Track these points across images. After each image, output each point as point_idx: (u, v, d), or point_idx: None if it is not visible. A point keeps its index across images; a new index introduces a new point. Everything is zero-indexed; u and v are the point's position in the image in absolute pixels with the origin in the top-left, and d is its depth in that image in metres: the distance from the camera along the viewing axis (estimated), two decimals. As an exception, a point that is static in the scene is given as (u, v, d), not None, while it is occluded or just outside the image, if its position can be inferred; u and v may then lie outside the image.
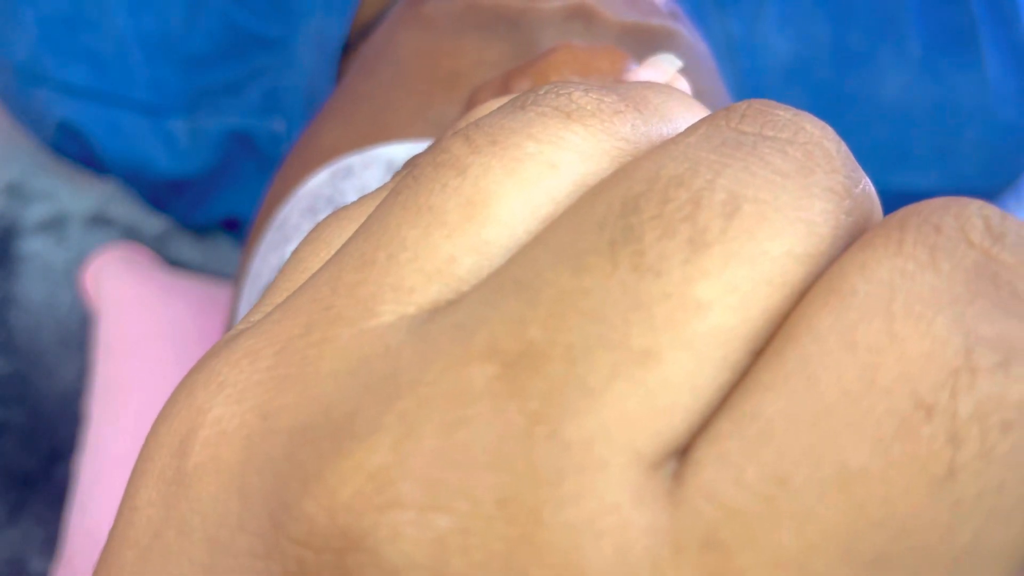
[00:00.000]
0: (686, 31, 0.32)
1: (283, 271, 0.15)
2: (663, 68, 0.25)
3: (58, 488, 0.56)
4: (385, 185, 0.15)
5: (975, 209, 0.11)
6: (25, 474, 0.57)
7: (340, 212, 0.16)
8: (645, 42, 0.31)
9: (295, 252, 0.15)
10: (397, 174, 0.15)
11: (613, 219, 0.12)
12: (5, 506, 0.56)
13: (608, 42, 0.30)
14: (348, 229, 0.15)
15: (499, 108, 0.14)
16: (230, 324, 0.33)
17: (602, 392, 0.10)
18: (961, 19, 0.55)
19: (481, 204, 0.13)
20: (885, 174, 0.55)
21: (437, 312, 0.12)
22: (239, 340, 0.13)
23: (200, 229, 0.62)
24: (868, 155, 0.55)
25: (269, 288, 0.15)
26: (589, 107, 0.14)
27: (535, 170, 0.13)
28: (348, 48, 0.52)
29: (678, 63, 0.25)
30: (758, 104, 0.13)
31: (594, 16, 0.30)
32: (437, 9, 0.32)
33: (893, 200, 0.57)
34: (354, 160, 0.29)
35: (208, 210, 0.59)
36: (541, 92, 0.14)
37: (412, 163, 0.14)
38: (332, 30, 0.52)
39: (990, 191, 0.57)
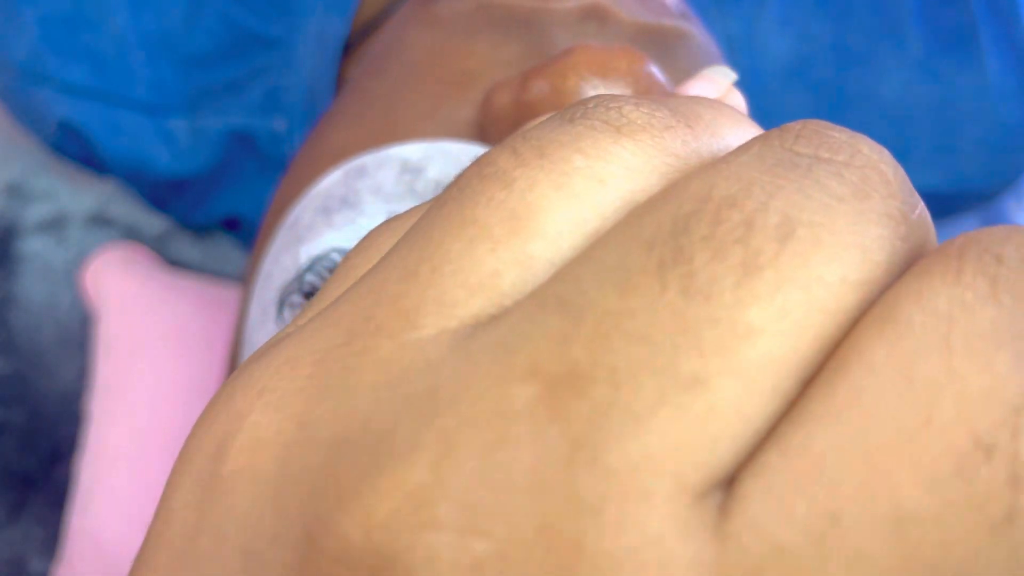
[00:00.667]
0: (698, 32, 0.32)
1: (332, 277, 0.15)
2: (717, 80, 0.24)
3: (58, 488, 0.56)
4: (437, 196, 0.15)
5: None
6: (25, 474, 0.56)
7: (392, 220, 0.16)
8: (659, 42, 0.31)
9: (346, 258, 0.15)
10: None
11: (663, 239, 0.11)
12: (5, 506, 0.56)
13: (622, 42, 0.30)
14: (399, 237, 0.15)
15: (547, 120, 0.14)
16: (240, 325, 0.33)
17: (647, 418, 0.10)
18: (962, 19, 0.55)
19: (527, 218, 0.12)
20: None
21: (479, 327, 0.12)
22: (280, 346, 0.13)
23: (200, 229, 0.62)
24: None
25: (318, 294, 0.15)
26: (640, 121, 0.13)
27: (583, 185, 0.13)
28: (348, 48, 0.52)
29: (733, 75, 0.25)
30: (813, 125, 0.13)
31: (608, 16, 0.30)
32: (448, 8, 0.32)
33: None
34: (367, 160, 0.29)
35: (209, 210, 0.58)
36: (591, 105, 0.14)
37: (459, 176, 0.14)
38: (333, 30, 0.52)
39: (990, 191, 0.57)
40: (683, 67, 0.31)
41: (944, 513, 0.09)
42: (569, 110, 0.14)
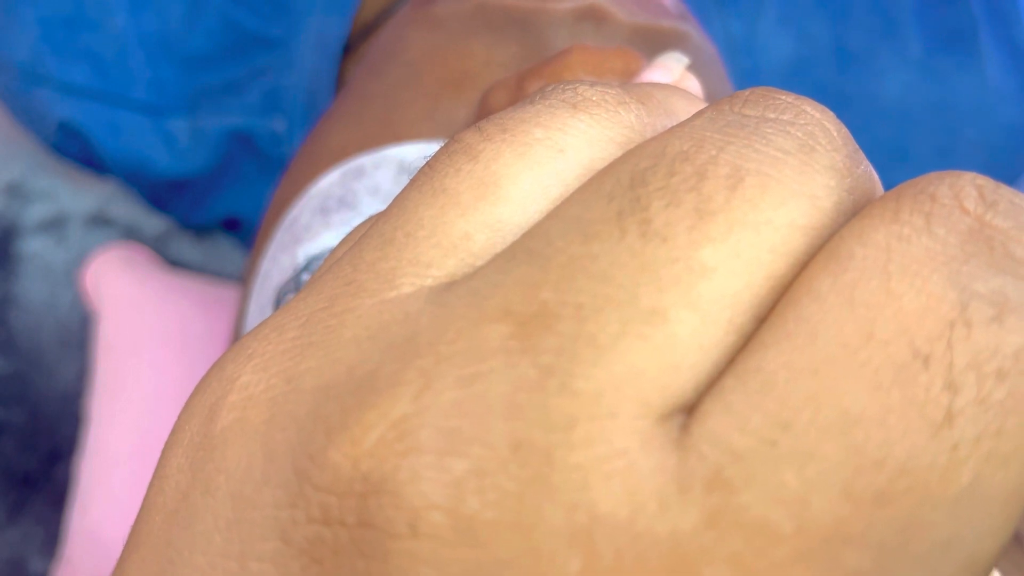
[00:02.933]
0: (695, 32, 0.33)
1: (318, 270, 0.16)
2: (670, 67, 0.25)
3: (58, 488, 0.56)
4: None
5: (969, 179, 0.12)
6: (25, 474, 0.57)
7: (374, 215, 0.16)
8: (656, 43, 0.31)
9: (333, 251, 0.16)
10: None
11: (621, 191, 0.12)
12: (5, 506, 0.56)
13: (619, 43, 0.30)
14: None
15: (511, 107, 0.15)
16: (238, 324, 0.33)
17: (611, 347, 0.11)
18: (961, 19, 0.55)
19: (493, 185, 0.13)
20: (885, 174, 0.55)
21: (454, 283, 0.13)
22: (270, 319, 0.14)
23: (200, 229, 0.62)
24: (868, 154, 0.55)
25: (309, 281, 0.16)
26: (594, 98, 0.14)
27: (544, 153, 0.14)
28: (348, 48, 0.52)
29: (685, 60, 0.25)
30: (761, 90, 0.14)
31: (605, 17, 0.30)
32: (447, 9, 0.32)
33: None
34: (365, 160, 0.30)
35: (208, 210, 0.59)
36: (549, 88, 0.15)
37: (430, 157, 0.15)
38: (333, 30, 0.52)
39: (990, 191, 0.57)
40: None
41: (887, 415, 0.10)
42: (531, 96, 0.15)
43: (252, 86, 0.56)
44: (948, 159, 0.55)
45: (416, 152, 0.28)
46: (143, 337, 0.55)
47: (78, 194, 0.61)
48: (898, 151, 0.55)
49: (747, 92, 0.14)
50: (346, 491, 0.11)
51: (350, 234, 0.17)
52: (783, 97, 0.13)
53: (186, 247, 0.62)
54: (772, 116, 0.13)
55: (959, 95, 0.55)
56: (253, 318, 0.30)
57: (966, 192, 0.12)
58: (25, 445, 0.57)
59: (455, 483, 0.11)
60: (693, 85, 0.25)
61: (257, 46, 0.55)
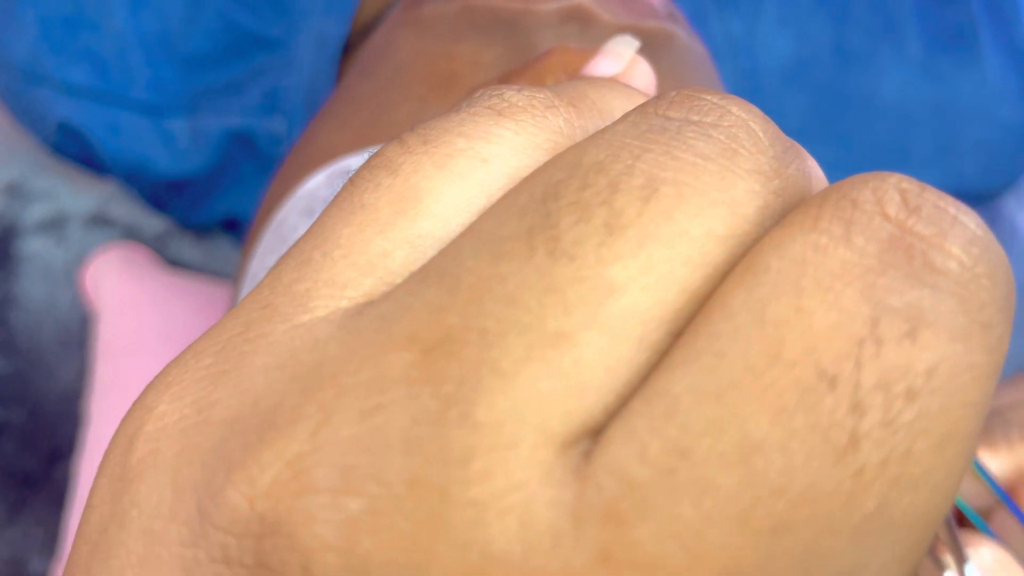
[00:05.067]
0: (684, 33, 0.32)
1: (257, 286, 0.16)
2: (620, 52, 0.25)
3: (58, 488, 0.56)
4: None
5: (893, 183, 0.11)
6: (25, 474, 0.57)
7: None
8: (643, 44, 0.31)
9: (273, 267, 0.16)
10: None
11: (533, 206, 0.12)
12: (5, 506, 0.56)
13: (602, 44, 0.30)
14: None
15: (438, 116, 0.15)
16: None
17: (515, 374, 0.11)
18: (961, 19, 0.55)
19: (413, 199, 0.13)
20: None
21: (368, 305, 0.12)
22: (192, 344, 0.14)
23: (200, 229, 0.62)
24: (868, 155, 0.55)
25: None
26: (520, 103, 0.14)
27: (466, 164, 0.13)
28: (348, 49, 0.52)
29: (635, 43, 0.25)
30: (687, 90, 0.13)
31: (590, 18, 0.30)
32: (434, 11, 0.32)
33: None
34: (352, 162, 0.30)
35: (208, 210, 0.59)
36: (475, 95, 0.14)
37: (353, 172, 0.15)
38: (332, 30, 0.52)
39: (990, 191, 0.57)
40: (667, 68, 0.31)
41: (789, 441, 0.10)
42: (457, 103, 0.15)
43: (252, 86, 0.56)
44: (948, 159, 0.55)
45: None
46: (143, 337, 0.55)
47: (78, 194, 0.61)
48: (898, 151, 0.55)
49: (673, 93, 0.13)
50: (243, 532, 0.11)
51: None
52: (708, 98, 0.13)
53: (186, 247, 0.62)
54: (695, 119, 0.12)
55: (959, 95, 0.54)
56: (241, 320, 0.30)
57: (889, 196, 0.11)
58: (25, 445, 0.57)
59: (349, 523, 0.10)
60: (643, 70, 0.24)
61: (257, 46, 0.55)
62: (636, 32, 0.31)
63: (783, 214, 0.12)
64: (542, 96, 0.14)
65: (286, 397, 0.12)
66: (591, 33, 0.30)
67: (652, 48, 0.31)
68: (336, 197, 0.14)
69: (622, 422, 0.10)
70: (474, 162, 0.13)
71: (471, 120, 0.14)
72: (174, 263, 0.61)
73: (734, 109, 0.13)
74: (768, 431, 0.10)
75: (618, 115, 0.15)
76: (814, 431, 0.10)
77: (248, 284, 0.32)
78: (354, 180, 0.14)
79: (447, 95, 0.30)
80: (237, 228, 0.60)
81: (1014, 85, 0.55)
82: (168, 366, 0.14)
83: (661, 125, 0.12)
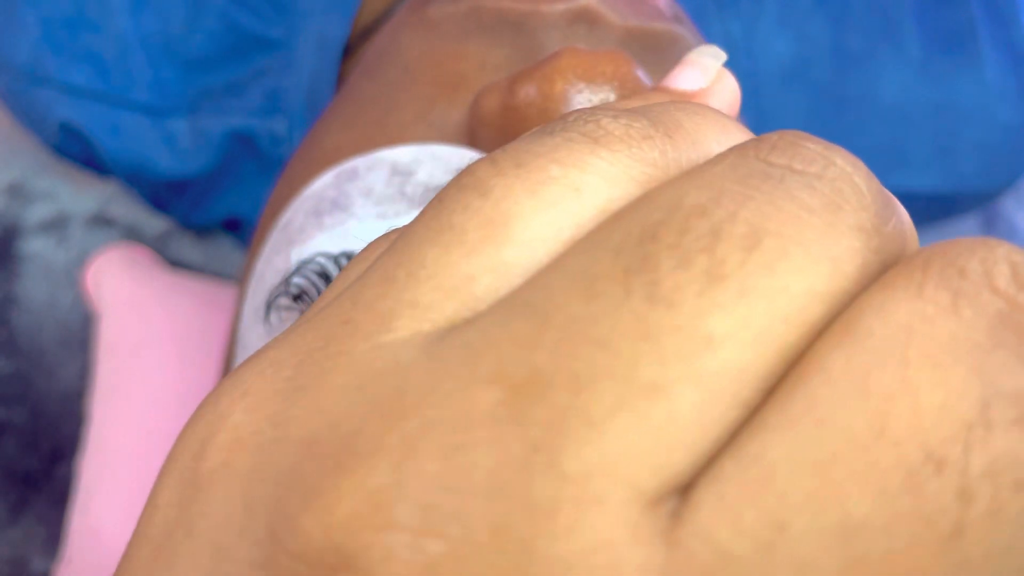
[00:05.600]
0: (690, 34, 0.32)
1: (329, 287, 0.15)
2: (706, 65, 0.24)
3: (60, 487, 0.56)
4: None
5: (1003, 254, 0.11)
6: (27, 473, 0.57)
7: (391, 232, 0.16)
8: (649, 46, 0.31)
9: (344, 269, 0.15)
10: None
11: (630, 246, 0.11)
12: (7, 505, 0.56)
13: (611, 46, 0.30)
14: None
15: (529, 134, 0.14)
16: (234, 326, 0.34)
17: (605, 424, 0.10)
18: (960, 20, 0.55)
19: (502, 225, 0.13)
20: (884, 174, 0.55)
21: (451, 331, 0.12)
22: (267, 350, 0.14)
23: (201, 229, 0.62)
24: (867, 155, 0.55)
25: (315, 303, 0.15)
26: (617, 132, 0.13)
27: (558, 193, 0.13)
28: (349, 50, 0.52)
29: (723, 56, 0.24)
30: (790, 136, 0.13)
31: (598, 20, 0.30)
32: (441, 12, 0.32)
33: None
34: (359, 163, 0.30)
35: (209, 210, 0.59)
36: (571, 119, 0.14)
37: (442, 188, 0.14)
38: (333, 31, 0.52)
39: (990, 192, 0.57)
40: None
41: (892, 525, 0.10)
42: (550, 124, 0.14)
43: (253, 87, 0.56)
44: (947, 159, 0.55)
45: (409, 155, 0.28)
46: (144, 337, 0.55)
47: (79, 194, 0.61)
48: (897, 152, 0.55)
49: (775, 137, 0.13)
50: (317, 561, 0.11)
51: (363, 251, 0.16)
52: (812, 146, 0.12)
53: (187, 247, 0.62)
54: (799, 167, 0.12)
55: (958, 96, 0.54)
56: (248, 320, 0.31)
57: (998, 269, 0.11)
58: (27, 445, 0.57)
59: (429, 566, 0.10)
60: (729, 86, 0.24)
61: (258, 47, 0.55)
62: (644, 33, 0.31)
63: (881, 271, 0.12)
64: (639, 126, 0.14)
65: (367, 423, 0.11)
66: (598, 35, 0.30)
67: (659, 50, 0.31)
68: (422, 214, 0.14)
69: (713, 484, 0.10)
70: (567, 191, 0.13)
71: (566, 146, 0.13)
72: (175, 263, 0.61)
73: (838, 161, 0.12)
74: (870, 511, 0.10)
75: (711, 147, 0.15)
76: (918, 516, 0.10)
77: (254, 285, 0.32)
78: (442, 198, 0.13)
79: (454, 96, 0.30)
80: (238, 228, 0.60)
81: (1013, 86, 0.55)
82: (242, 371, 0.13)
83: (763, 171, 0.12)
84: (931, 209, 0.58)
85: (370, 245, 0.16)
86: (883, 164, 0.55)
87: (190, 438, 0.13)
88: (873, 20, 0.55)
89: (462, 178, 0.14)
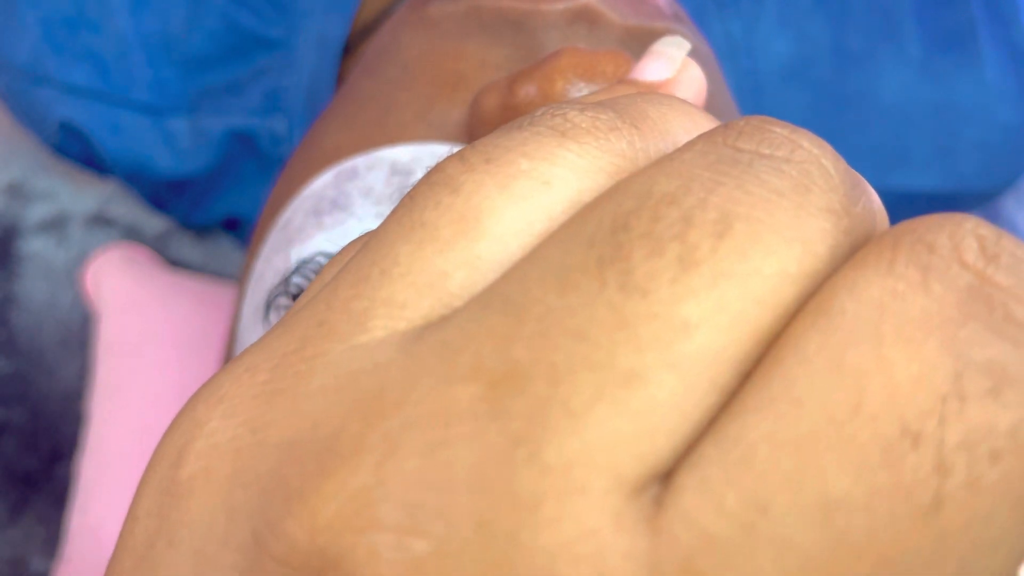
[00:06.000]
0: (690, 33, 0.32)
1: (306, 291, 0.15)
2: (671, 54, 0.24)
3: (59, 487, 0.56)
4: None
5: (970, 228, 0.11)
6: (26, 473, 0.57)
7: (365, 234, 0.16)
8: (649, 45, 0.31)
9: (320, 272, 0.15)
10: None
11: (602, 236, 0.11)
12: (7, 505, 0.56)
13: (611, 45, 0.30)
14: None
15: (497, 130, 0.14)
16: (234, 326, 0.34)
17: (585, 414, 0.10)
18: (960, 19, 0.55)
19: (473, 220, 0.13)
20: (884, 174, 0.55)
21: (427, 328, 0.12)
22: (243, 356, 0.14)
23: (201, 229, 0.62)
24: (867, 155, 0.55)
25: (292, 307, 0.15)
26: (584, 125, 0.14)
27: (528, 186, 0.13)
28: (349, 49, 0.52)
29: (687, 45, 0.24)
30: (756, 121, 0.13)
31: (598, 19, 0.30)
32: (441, 11, 0.32)
33: (893, 200, 0.57)
34: (359, 162, 0.30)
35: (209, 210, 0.59)
36: (538, 113, 0.14)
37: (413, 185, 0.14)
38: (333, 31, 0.52)
39: (990, 191, 0.57)
40: None
41: (871, 500, 0.10)
42: (517, 120, 0.14)
43: (253, 86, 0.56)
44: (947, 159, 0.55)
45: (409, 154, 0.28)
46: (144, 337, 0.55)
47: (79, 194, 0.61)
48: (897, 151, 0.55)
49: (741, 122, 0.13)
50: (302, 564, 0.11)
51: (339, 253, 0.16)
52: (779, 130, 0.13)
53: (187, 247, 0.62)
54: (767, 152, 0.12)
55: (958, 95, 0.54)
56: (248, 320, 0.31)
57: (966, 244, 0.11)
58: (26, 444, 0.57)
59: (415, 565, 0.10)
60: (695, 75, 0.24)
61: (258, 47, 0.55)
62: (644, 33, 0.31)
63: (851, 252, 0.12)
64: (606, 117, 0.14)
65: (347, 423, 0.11)
66: (598, 34, 0.30)
67: None
68: (394, 212, 0.14)
69: (694, 469, 0.10)
70: (537, 184, 0.13)
71: (534, 140, 0.13)
72: (175, 263, 0.61)
73: (805, 143, 0.12)
74: (850, 488, 0.10)
75: (679, 135, 0.15)
76: (897, 490, 0.10)
77: (253, 284, 0.32)
78: (413, 196, 0.13)
79: (454, 95, 0.30)
80: (238, 228, 0.60)
81: (1013, 86, 0.55)
82: (218, 378, 0.13)
83: (732, 157, 0.12)
84: (931, 209, 0.58)
85: (345, 248, 0.16)
86: (883, 164, 0.55)
87: (167, 447, 0.13)
88: (873, 20, 0.55)
89: (432, 175, 0.14)
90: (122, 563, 0.13)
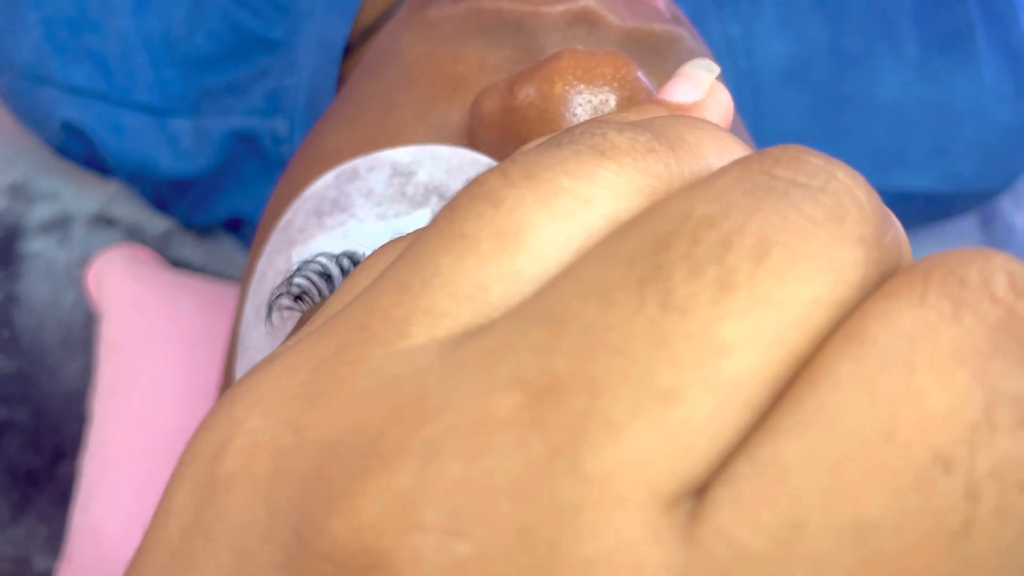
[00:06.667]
0: (689, 35, 0.32)
1: (336, 293, 0.15)
2: (699, 78, 0.24)
3: (62, 486, 0.56)
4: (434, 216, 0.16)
5: (1000, 264, 0.11)
6: (29, 472, 0.57)
7: (396, 240, 0.16)
8: (648, 47, 0.31)
9: (351, 276, 0.16)
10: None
11: (643, 256, 0.12)
12: (9, 504, 0.56)
13: (611, 47, 0.30)
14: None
15: (537, 146, 0.14)
16: (236, 327, 0.34)
17: (623, 428, 0.11)
18: (958, 20, 0.55)
19: (514, 234, 0.13)
20: (882, 174, 0.55)
21: (467, 337, 0.12)
22: (281, 357, 0.14)
23: (203, 229, 0.62)
24: (865, 156, 0.55)
25: (321, 309, 0.16)
26: (623, 145, 0.14)
27: (568, 203, 0.13)
28: (350, 50, 0.53)
29: (716, 69, 0.24)
30: (792, 150, 0.13)
31: (597, 21, 0.30)
32: (441, 13, 0.32)
33: (891, 200, 0.57)
34: (359, 163, 0.30)
35: (211, 210, 0.59)
36: (577, 131, 0.14)
37: (452, 198, 0.14)
38: (334, 31, 0.52)
39: (988, 192, 0.57)
40: (673, 71, 0.31)
41: (903, 523, 0.10)
42: (557, 136, 0.15)
43: (254, 87, 0.56)
44: (945, 160, 0.55)
45: (409, 155, 0.29)
46: (146, 337, 0.55)
47: (81, 194, 0.61)
48: (895, 152, 0.55)
49: (777, 151, 0.13)
50: (345, 562, 0.11)
51: (370, 257, 0.16)
52: (814, 160, 0.13)
53: (189, 247, 0.62)
54: (803, 181, 0.12)
55: (956, 96, 0.54)
56: (250, 320, 0.31)
57: (997, 279, 0.11)
58: (29, 443, 0.57)
59: (457, 566, 0.10)
60: (724, 99, 0.24)
61: (259, 47, 0.55)
62: (643, 34, 0.31)
63: (880, 282, 0.12)
64: (644, 139, 0.14)
65: (389, 427, 0.12)
66: (598, 35, 0.30)
67: (658, 51, 0.31)
68: (434, 222, 0.14)
69: (729, 486, 0.10)
70: (577, 202, 0.13)
71: (575, 158, 0.14)
72: (177, 263, 0.61)
73: (840, 175, 0.13)
74: (883, 511, 0.10)
75: (712, 160, 0.15)
76: (929, 515, 0.10)
77: (255, 284, 0.32)
78: (453, 207, 0.14)
79: (454, 97, 0.30)
80: (240, 228, 0.60)
81: (1011, 86, 0.55)
82: (256, 377, 0.14)
83: (768, 184, 0.12)
84: (929, 209, 0.58)
85: (375, 253, 0.16)
86: (881, 164, 0.55)
87: (203, 443, 0.13)
88: (871, 20, 0.55)
89: (473, 188, 0.14)
90: (154, 555, 0.13)
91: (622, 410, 0.11)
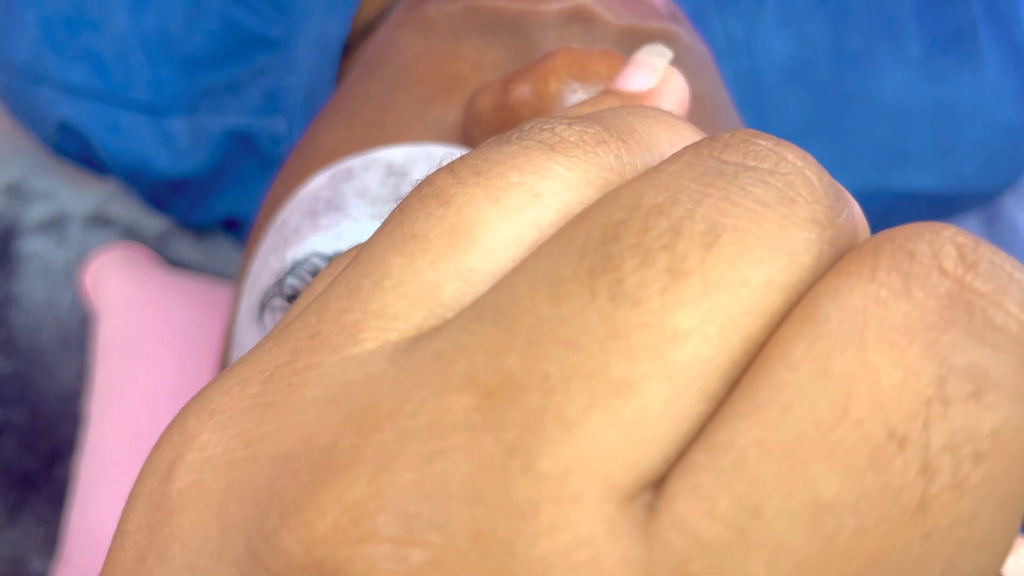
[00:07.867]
0: (686, 33, 0.32)
1: (297, 301, 0.15)
2: (653, 64, 0.24)
3: (58, 488, 0.56)
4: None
5: (948, 236, 0.11)
6: (25, 474, 0.57)
7: (355, 247, 0.16)
8: (645, 44, 0.31)
9: (310, 285, 0.15)
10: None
11: (593, 247, 0.12)
12: (6, 505, 0.56)
13: (607, 45, 0.30)
14: None
15: (486, 143, 0.14)
16: (230, 327, 0.34)
17: (578, 423, 0.10)
18: (960, 19, 0.55)
19: (464, 232, 0.13)
20: (884, 174, 0.55)
21: (420, 339, 0.12)
22: (233, 368, 0.14)
23: (200, 229, 0.62)
24: (867, 155, 0.55)
25: (281, 319, 0.15)
26: (572, 139, 0.14)
27: (518, 199, 0.13)
28: (348, 48, 0.52)
29: (668, 54, 0.24)
30: (741, 134, 0.13)
31: (593, 19, 0.30)
32: (437, 12, 0.32)
33: (893, 200, 0.56)
34: (354, 163, 0.29)
35: (208, 210, 0.59)
36: (526, 127, 0.14)
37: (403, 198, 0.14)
38: (333, 30, 0.52)
39: (990, 191, 0.57)
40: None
41: (860, 503, 0.10)
42: (506, 134, 0.14)
43: (252, 86, 0.56)
44: (947, 159, 0.55)
45: (404, 155, 0.28)
46: (143, 337, 0.55)
47: (78, 194, 0.61)
48: (897, 151, 0.55)
49: (727, 136, 0.13)
50: None
51: (329, 266, 0.16)
52: (763, 143, 0.13)
53: (186, 247, 0.62)
54: (752, 164, 0.12)
55: (959, 95, 0.54)
56: (244, 320, 0.31)
57: (945, 251, 0.11)
58: (25, 445, 0.57)
59: (412, 575, 0.10)
60: (678, 83, 0.24)
61: (257, 46, 0.55)
62: (640, 33, 0.31)
63: (835, 261, 0.12)
64: (593, 131, 0.14)
65: (342, 436, 0.11)
66: (594, 34, 0.30)
67: None
68: (384, 224, 0.14)
69: (686, 475, 0.10)
70: (527, 197, 0.13)
71: (523, 153, 0.13)
72: (174, 263, 0.61)
73: (789, 156, 0.13)
74: (839, 491, 0.10)
75: (665, 148, 0.15)
76: (885, 492, 0.10)
77: (249, 285, 0.32)
78: (403, 208, 0.14)
79: (450, 96, 0.30)
80: (237, 228, 0.60)
81: (1014, 85, 0.55)
82: (208, 391, 0.13)
83: (717, 168, 0.12)
84: (932, 209, 0.57)
85: (335, 260, 0.16)
86: (884, 163, 0.55)
87: (157, 460, 0.13)
88: (873, 19, 0.55)
89: (422, 188, 0.14)
90: None
91: (577, 405, 0.11)
